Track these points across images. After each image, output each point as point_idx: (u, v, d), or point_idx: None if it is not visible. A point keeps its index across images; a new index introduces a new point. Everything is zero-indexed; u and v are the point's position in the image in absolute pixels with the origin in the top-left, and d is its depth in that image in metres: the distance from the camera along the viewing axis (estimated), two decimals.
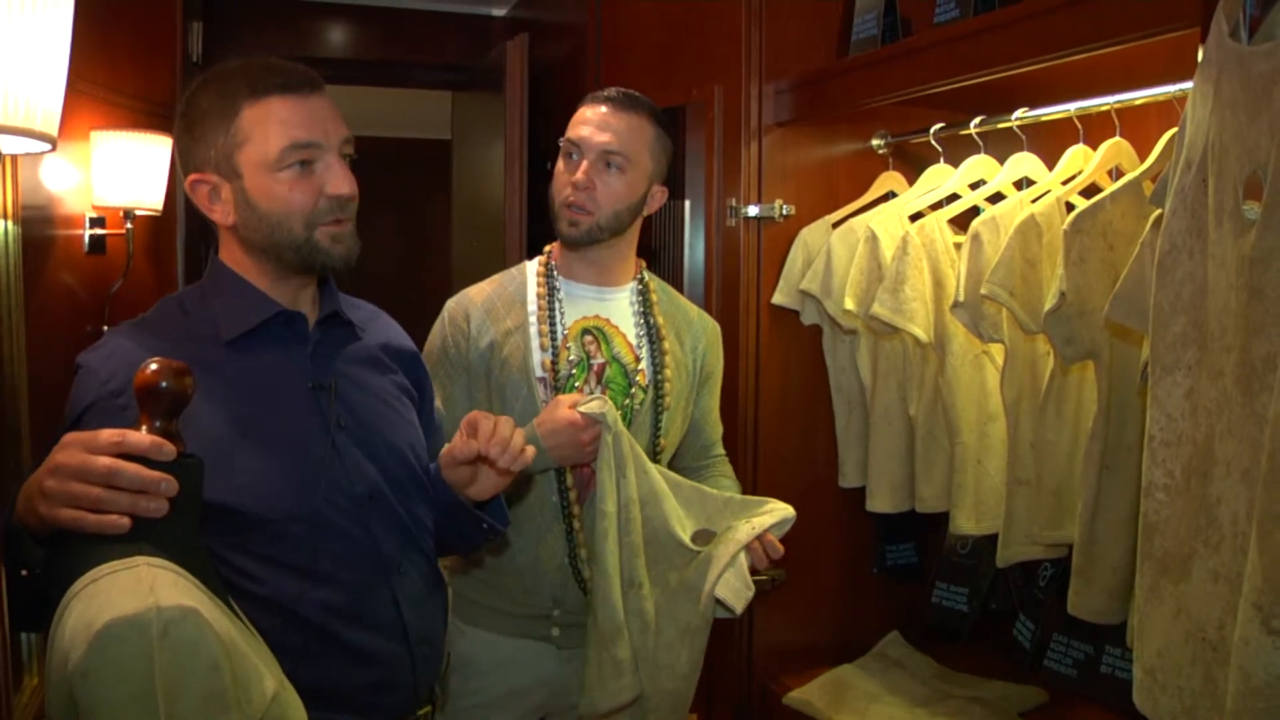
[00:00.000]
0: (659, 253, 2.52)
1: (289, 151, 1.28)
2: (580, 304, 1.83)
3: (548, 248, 1.90)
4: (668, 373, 1.83)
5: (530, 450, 1.40)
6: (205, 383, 1.21)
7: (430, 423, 1.59)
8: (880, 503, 2.19)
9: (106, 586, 0.93)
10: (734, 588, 1.64)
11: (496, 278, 1.90)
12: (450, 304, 1.87)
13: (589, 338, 1.82)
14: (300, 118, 1.29)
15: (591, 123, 1.77)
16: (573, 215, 1.76)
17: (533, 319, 1.81)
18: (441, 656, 1.48)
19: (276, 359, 1.36)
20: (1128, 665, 1.75)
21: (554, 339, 1.79)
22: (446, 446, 1.44)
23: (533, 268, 1.88)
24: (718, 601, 1.65)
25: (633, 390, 1.81)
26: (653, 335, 1.84)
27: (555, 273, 1.85)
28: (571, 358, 1.80)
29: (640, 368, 1.82)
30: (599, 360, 1.81)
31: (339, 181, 1.31)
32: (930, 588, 2.26)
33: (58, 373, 2.10)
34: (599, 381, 1.80)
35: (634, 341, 1.84)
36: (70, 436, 1.02)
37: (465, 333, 1.81)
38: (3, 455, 1.80)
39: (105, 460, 0.99)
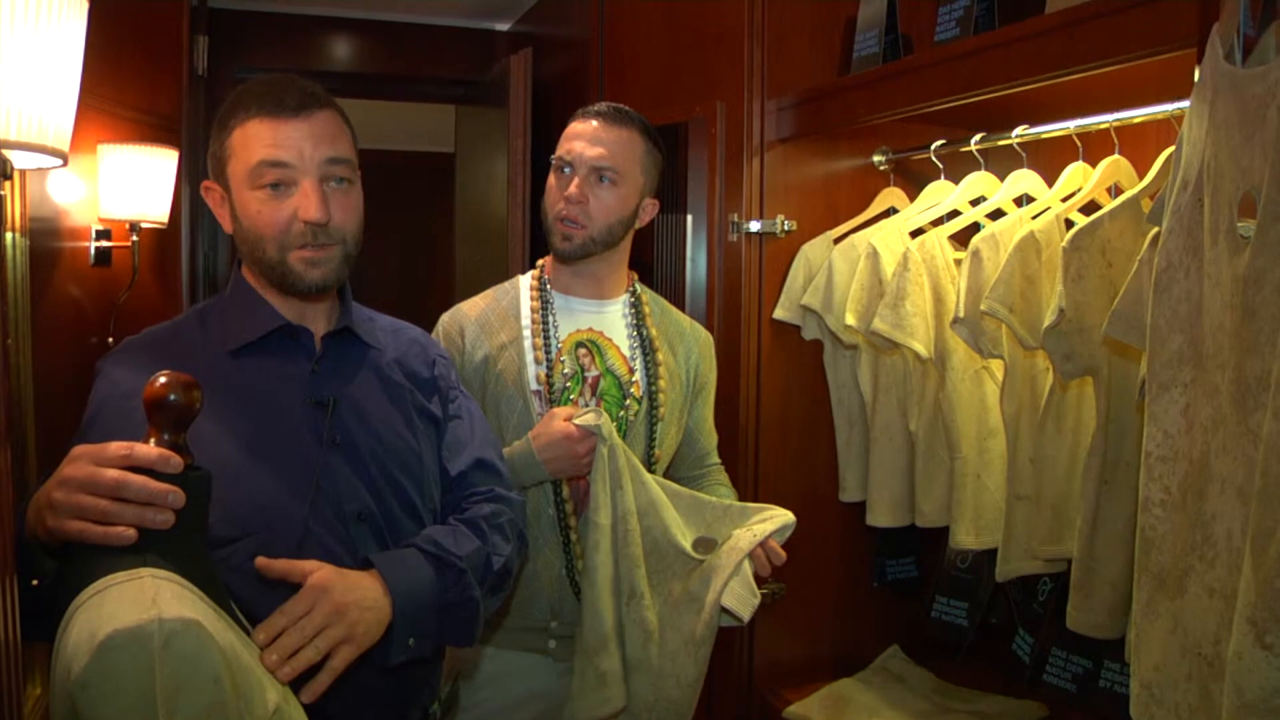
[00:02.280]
0: (661, 267, 2.53)
1: (259, 170, 1.29)
2: (574, 317, 1.85)
3: (540, 261, 1.91)
4: (662, 384, 1.83)
5: (318, 686, 1.17)
6: (206, 393, 1.22)
7: (464, 437, 1.54)
8: (880, 517, 2.19)
9: (110, 598, 0.94)
10: (740, 596, 1.64)
11: (489, 292, 1.91)
12: (444, 319, 1.88)
13: (583, 350, 1.83)
14: (274, 138, 1.29)
15: (583, 137, 1.78)
16: (566, 229, 1.77)
17: (527, 333, 1.82)
18: (431, 676, 1.46)
19: (278, 373, 1.36)
20: (1126, 680, 1.74)
21: (548, 352, 1.80)
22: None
23: (525, 282, 1.89)
24: (724, 610, 1.65)
25: (627, 402, 1.82)
26: (646, 347, 1.85)
27: (548, 286, 1.86)
28: (566, 371, 1.81)
29: (634, 379, 1.83)
30: (593, 373, 1.82)
31: (310, 206, 1.30)
32: (930, 602, 2.26)
33: (64, 384, 2.12)
34: (594, 394, 1.81)
35: (628, 353, 1.85)
36: (78, 449, 1.03)
37: (460, 347, 1.83)
38: (10, 466, 1.81)
39: (113, 473, 1.00)
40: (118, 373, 1.29)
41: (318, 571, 1.20)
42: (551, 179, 1.81)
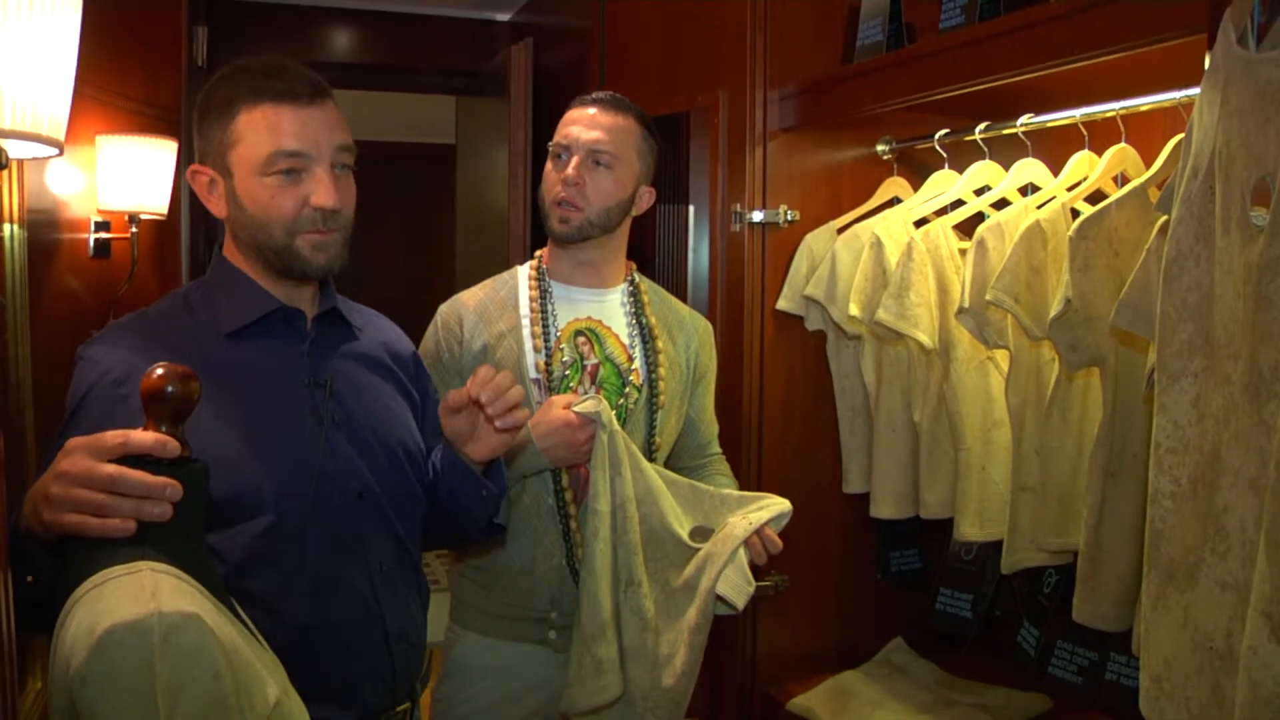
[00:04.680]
0: (663, 258, 2.52)
1: (274, 158, 1.30)
2: (572, 305, 1.85)
3: (539, 252, 1.92)
4: (662, 371, 1.83)
5: (523, 414, 1.40)
6: (203, 377, 1.22)
7: (434, 428, 1.59)
8: (884, 509, 2.18)
9: (108, 591, 0.93)
10: (734, 584, 1.64)
11: (488, 282, 1.91)
12: (443, 308, 1.89)
13: (582, 339, 1.83)
14: (290, 126, 1.30)
15: (580, 123, 1.79)
16: (563, 212, 1.78)
17: (525, 321, 1.82)
18: (421, 655, 1.50)
19: (274, 354, 1.37)
20: (1133, 673, 1.74)
21: (547, 340, 1.80)
22: (447, 394, 1.44)
23: (524, 271, 1.89)
24: (719, 598, 1.65)
25: (627, 390, 1.82)
26: (645, 335, 1.85)
27: (547, 275, 1.87)
28: (565, 359, 1.81)
29: (634, 367, 1.83)
30: (592, 361, 1.82)
31: (324, 193, 1.31)
32: (934, 594, 2.25)
33: (63, 376, 2.10)
34: (593, 382, 1.82)
35: (627, 342, 1.85)
36: (74, 442, 1.02)
37: (458, 336, 1.83)
38: (8, 459, 1.80)
39: (109, 468, 0.99)
40: (106, 360, 1.28)
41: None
42: (549, 165, 1.83)
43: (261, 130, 1.30)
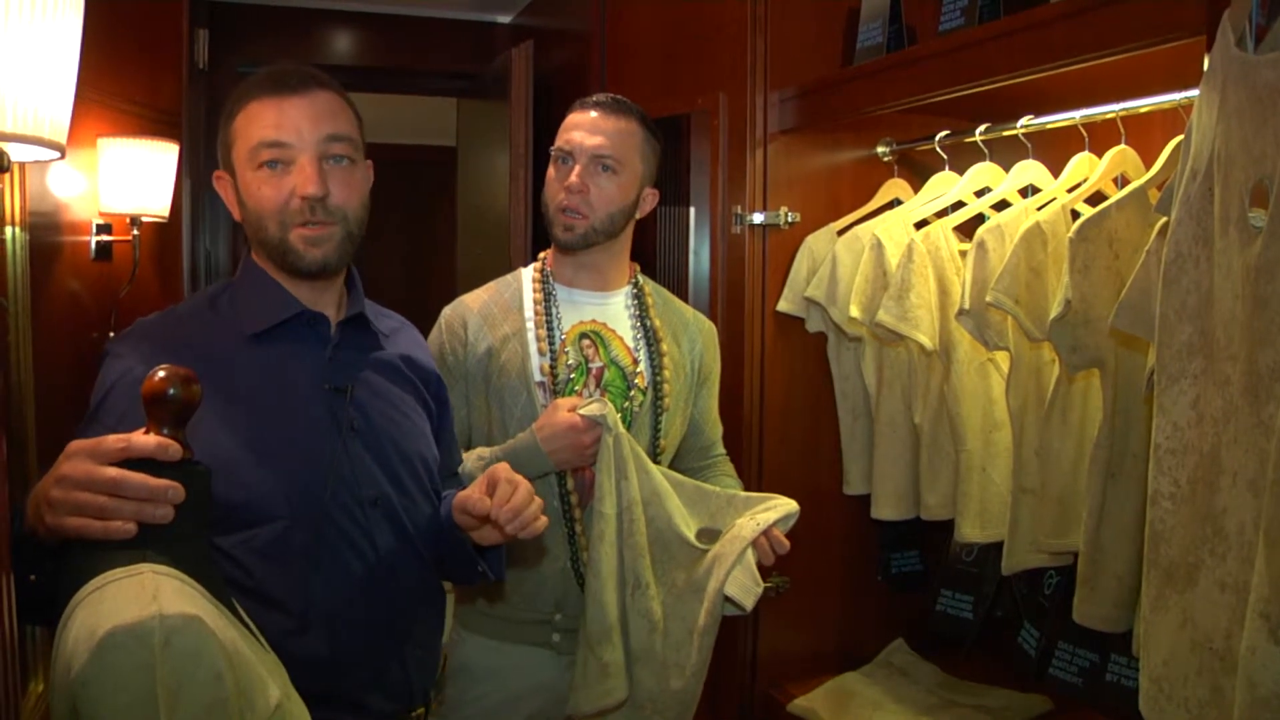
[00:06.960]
0: (664, 260, 2.52)
1: (258, 149, 1.32)
2: (577, 309, 1.85)
3: (542, 254, 1.92)
4: (666, 374, 1.83)
5: (542, 522, 1.35)
6: (224, 378, 1.24)
7: (449, 440, 1.60)
8: (885, 510, 2.18)
9: (109, 594, 0.93)
10: (743, 585, 1.64)
11: (492, 285, 1.91)
12: (447, 311, 1.89)
13: (586, 341, 1.83)
14: (272, 118, 1.33)
15: (582, 127, 1.79)
16: (568, 220, 1.78)
17: (530, 324, 1.82)
18: (436, 660, 1.50)
19: (296, 357, 1.38)
20: (1133, 673, 1.74)
21: (552, 344, 1.80)
22: (462, 493, 1.39)
23: (528, 274, 1.89)
24: (727, 599, 1.65)
25: (632, 393, 1.82)
26: (650, 337, 1.85)
27: (551, 278, 1.86)
28: (570, 362, 1.81)
29: (639, 370, 1.83)
30: (597, 364, 1.82)
31: (305, 181, 1.32)
32: (935, 595, 2.26)
33: (64, 379, 2.11)
34: (598, 385, 1.82)
35: (631, 344, 1.85)
36: (75, 445, 1.03)
37: (463, 340, 1.83)
38: (10, 462, 1.80)
39: (111, 471, 0.99)
40: (131, 356, 1.30)
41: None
42: (551, 170, 1.82)
43: (251, 124, 1.33)
